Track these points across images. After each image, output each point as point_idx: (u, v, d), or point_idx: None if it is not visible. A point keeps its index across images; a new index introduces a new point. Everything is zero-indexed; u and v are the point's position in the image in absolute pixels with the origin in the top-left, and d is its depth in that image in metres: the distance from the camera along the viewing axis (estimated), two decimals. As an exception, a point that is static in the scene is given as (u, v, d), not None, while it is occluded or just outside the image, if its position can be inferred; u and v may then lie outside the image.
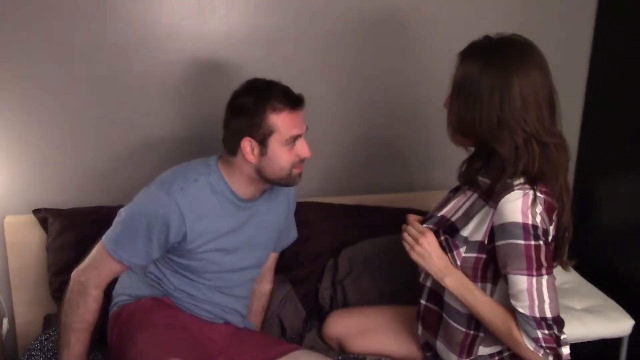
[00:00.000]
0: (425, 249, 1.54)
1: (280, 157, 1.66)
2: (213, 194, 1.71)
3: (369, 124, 2.44)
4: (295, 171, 1.71)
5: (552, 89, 1.48)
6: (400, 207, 2.33)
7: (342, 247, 2.24)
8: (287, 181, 1.72)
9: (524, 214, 1.41)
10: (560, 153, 1.49)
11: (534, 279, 1.41)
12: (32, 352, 1.89)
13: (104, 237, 1.71)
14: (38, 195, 2.17)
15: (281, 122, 1.62)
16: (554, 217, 1.49)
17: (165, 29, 2.14)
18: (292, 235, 2.06)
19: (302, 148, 1.68)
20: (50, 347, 1.90)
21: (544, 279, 1.41)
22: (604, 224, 2.56)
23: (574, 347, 2.15)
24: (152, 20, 2.12)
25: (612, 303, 2.26)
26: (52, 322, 2.05)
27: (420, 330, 1.72)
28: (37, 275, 2.13)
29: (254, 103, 1.62)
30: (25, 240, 2.13)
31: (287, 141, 1.65)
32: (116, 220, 1.71)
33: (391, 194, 2.47)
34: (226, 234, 1.74)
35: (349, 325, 1.95)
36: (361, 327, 1.94)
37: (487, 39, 1.50)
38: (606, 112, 2.53)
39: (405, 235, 1.59)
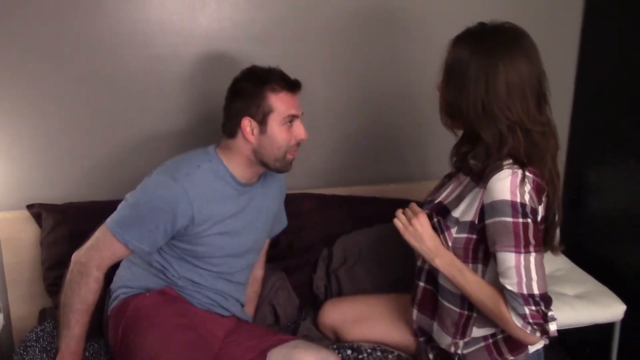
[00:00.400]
0: (417, 229, 1.56)
1: (279, 136, 1.73)
2: (216, 179, 1.76)
3: (364, 116, 2.45)
4: (289, 156, 1.77)
5: (540, 77, 1.50)
6: (395, 197, 2.35)
7: (336, 238, 2.25)
8: (281, 164, 1.77)
9: (513, 193, 1.43)
10: (548, 140, 1.51)
11: (522, 256, 1.43)
12: (28, 344, 1.90)
13: (108, 220, 1.73)
14: (31, 191, 2.18)
15: (279, 102, 1.72)
16: (543, 198, 1.51)
17: (156, 26, 2.15)
18: (283, 222, 2.11)
19: (298, 129, 1.76)
20: (45, 338, 1.91)
21: (532, 256, 1.43)
22: (596, 212, 2.58)
23: (568, 333, 2.18)
24: (143, 17, 2.13)
25: (603, 289, 2.27)
26: (47, 316, 2.06)
27: (415, 314, 1.74)
28: (32, 271, 2.14)
29: (254, 85, 1.72)
30: (19, 236, 2.13)
31: (284, 120, 1.73)
32: (122, 204, 1.74)
33: (387, 185, 2.48)
34: (229, 217, 1.79)
35: (344, 314, 1.97)
36: (356, 315, 1.95)
37: (481, 25, 1.52)
38: (597, 101, 2.55)
39: (399, 214, 1.61)
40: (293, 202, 2.22)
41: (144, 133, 2.24)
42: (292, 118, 1.74)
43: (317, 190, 2.37)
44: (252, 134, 1.73)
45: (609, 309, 2.20)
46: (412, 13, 2.37)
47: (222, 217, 1.77)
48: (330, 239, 2.26)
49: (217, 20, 2.20)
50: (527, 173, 1.44)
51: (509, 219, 1.43)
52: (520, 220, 1.43)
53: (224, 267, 1.85)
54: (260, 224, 1.92)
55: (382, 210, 2.27)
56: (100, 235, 1.73)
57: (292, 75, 1.77)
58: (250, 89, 1.72)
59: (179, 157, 1.80)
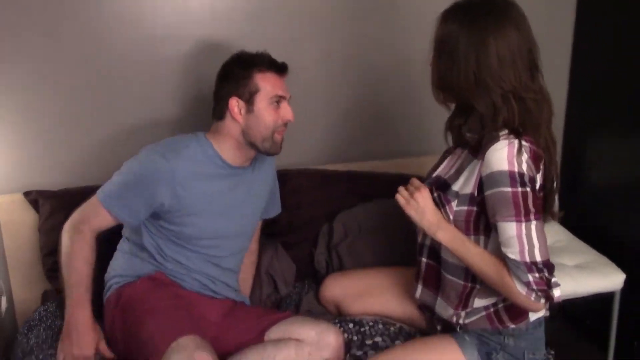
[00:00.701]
0: (419, 203, 1.56)
1: (266, 115, 1.76)
2: (204, 159, 1.78)
3: (361, 92, 2.44)
4: (277, 136, 1.80)
5: (531, 46, 1.50)
6: (394, 172, 2.35)
7: (336, 214, 2.25)
8: (270, 145, 1.79)
9: (510, 162, 1.43)
10: (542, 107, 1.51)
11: (523, 225, 1.43)
12: (32, 324, 1.91)
13: (98, 190, 1.77)
14: (30, 174, 2.18)
15: (266, 81, 1.75)
16: (541, 166, 1.51)
17: (149, 7, 2.13)
18: (277, 208, 2.13)
19: (285, 110, 1.79)
20: (49, 317, 1.92)
21: (533, 224, 1.44)
22: (594, 183, 2.59)
23: (568, 303, 2.19)
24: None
25: (603, 259, 2.29)
26: (49, 297, 2.07)
27: (419, 290, 1.74)
28: (33, 253, 2.14)
29: (241, 67, 1.77)
30: (19, 219, 2.13)
31: (271, 99, 1.76)
32: (114, 174, 1.78)
33: (385, 161, 2.48)
34: (216, 197, 1.81)
35: (346, 288, 1.98)
36: (358, 288, 1.96)
37: None
38: (594, 72, 2.55)
39: (401, 189, 1.61)
40: (292, 179, 2.23)
41: (140, 118, 2.23)
42: (279, 99, 1.77)
43: (316, 166, 2.37)
44: (240, 114, 1.76)
45: (609, 278, 2.22)
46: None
47: (208, 197, 1.79)
48: (330, 214, 2.26)
49: (209, 1, 2.19)
50: (523, 142, 1.44)
51: (508, 189, 1.43)
52: (519, 189, 1.43)
53: (213, 250, 1.85)
54: (249, 208, 1.93)
55: (382, 186, 2.28)
56: (90, 201, 1.77)
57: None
58: (237, 71, 1.76)
59: (168, 139, 1.83)
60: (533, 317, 1.61)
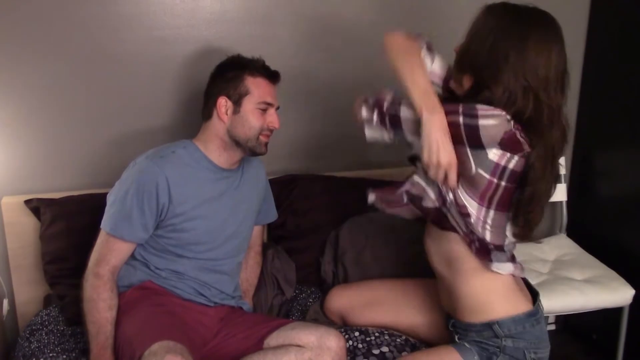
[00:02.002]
0: None
1: (251, 117, 1.80)
2: (191, 162, 1.81)
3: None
4: (262, 138, 1.82)
5: (565, 68, 1.49)
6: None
7: (343, 221, 2.22)
8: (253, 146, 1.82)
9: (479, 107, 1.41)
10: (554, 126, 1.48)
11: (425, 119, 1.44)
12: (34, 327, 1.89)
13: (102, 224, 1.76)
14: (35, 176, 2.16)
15: (256, 86, 1.80)
16: (516, 157, 1.46)
17: (159, 7, 2.12)
18: (272, 215, 2.14)
19: (272, 118, 1.83)
20: (51, 322, 1.90)
21: (430, 120, 1.43)
22: (604, 196, 2.56)
23: (575, 317, 2.17)
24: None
25: (612, 273, 2.26)
26: (52, 302, 2.05)
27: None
28: (36, 256, 2.12)
29: (234, 68, 1.82)
30: (23, 220, 2.11)
31: (259, 104, 1.80)
32: (107, 205, 1.77)
33: (395, 169, 2.41)
34: (208, 200, 1.82)
35: (352, 298, 1.95)
36: (364, 299, 1.93)
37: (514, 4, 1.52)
38: (605, 83, 2.53)
39: None
40: (301, 184, 2.22)
41: (148, 122, 2.22)
42: (266, 106, 1.80)
43: (326, 173, 2.35)
44: (226, 114, 1.79)
45: (618, 294, 2.18)
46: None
47: (201, 199, 1.80)
48: (338, 221, 2.23)
49: (220, 2, 2.17)
50: (514, 122, 1.42)
51: (451, 106, 1.43)
52: (451, 109, 1.42)
53: (209, 254, 1.85)
54: (241, 212, 1.92)
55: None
56: (98, 241, 1.76)
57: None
58: (230, 72, 1.81)
59: (152, 149, 1.84)
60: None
